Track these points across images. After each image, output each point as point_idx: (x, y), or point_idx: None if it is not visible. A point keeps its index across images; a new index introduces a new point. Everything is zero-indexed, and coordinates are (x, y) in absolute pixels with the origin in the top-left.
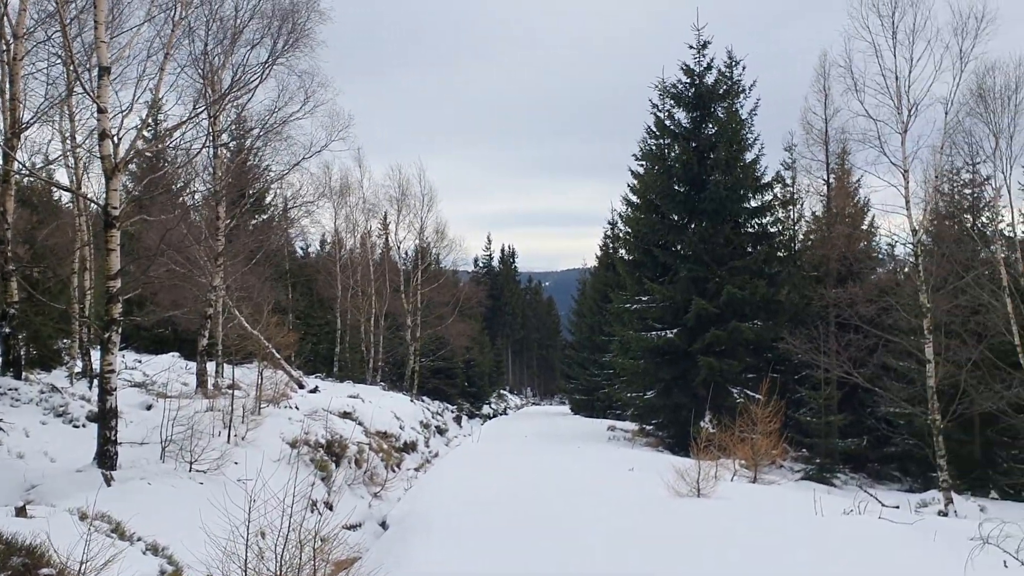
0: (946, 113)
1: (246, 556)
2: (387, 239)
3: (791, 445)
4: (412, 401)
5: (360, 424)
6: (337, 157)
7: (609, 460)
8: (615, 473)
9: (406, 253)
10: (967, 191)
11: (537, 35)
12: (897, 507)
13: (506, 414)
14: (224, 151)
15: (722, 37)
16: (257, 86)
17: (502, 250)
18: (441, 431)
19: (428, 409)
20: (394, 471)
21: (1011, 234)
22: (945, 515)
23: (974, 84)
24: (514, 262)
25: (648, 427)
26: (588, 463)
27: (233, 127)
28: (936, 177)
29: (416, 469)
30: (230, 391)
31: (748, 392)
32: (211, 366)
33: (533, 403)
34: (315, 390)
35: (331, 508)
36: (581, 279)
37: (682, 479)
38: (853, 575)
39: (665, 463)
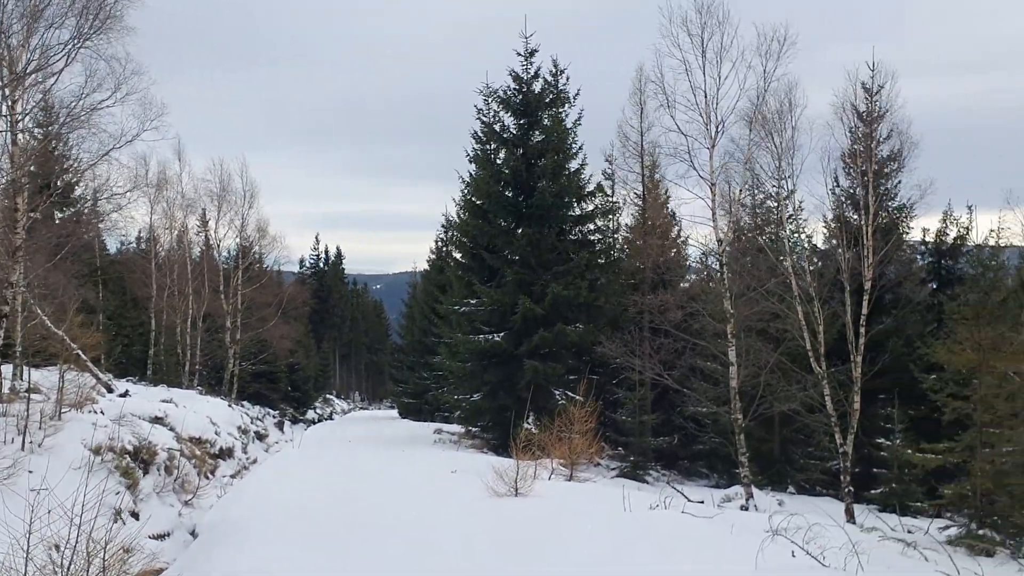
0: (750, 130)
1: (25, 571)
2: (207, 236)
3: (608, 444)
4: (230, 406)
5: (172, 430)
6: (154, 150)
7: (433, 463)
8: (438, 476)
9: (227, 251)
10: (769, 204)
11: (383, 34)
12: (702, 502)
13: (332, 419)
14: (24, 137)
15: (553, 45)
16: (63, 69)
17: (328, 251)
18: (261, 437)
19: (247, 414)
20: (208, 478)
21: (800, 247)
22: (746, 509)
23: (774, 103)
24: (343, 263)
25: (474, 429)
26: (412, 466)
27: (38, 112)
28: (740, 191)
29: (232, 476)
30: (27, 395)
31: (569, 393)
32: (7, 369)
33: (361, 407)
34: (125, 394)
35: (137, 517)
36: (412, 282)
37: (501, 479)
38: (654, 565)
39: (488, 464)
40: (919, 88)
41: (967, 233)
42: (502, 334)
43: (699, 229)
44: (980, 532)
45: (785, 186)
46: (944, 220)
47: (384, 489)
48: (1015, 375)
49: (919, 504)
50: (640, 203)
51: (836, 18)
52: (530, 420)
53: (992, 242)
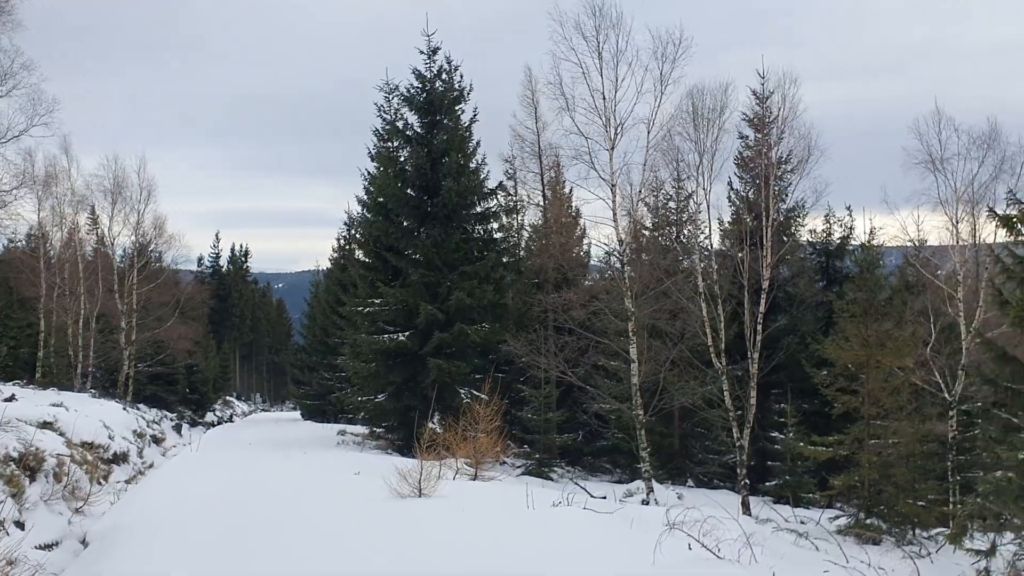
0: (648, 132)
1: None
2: (99, 234)
3: (515, 442)
4: (125, 409)
5: (62, 435)
6: (41, 144)
7: (336, 465)
8: (341, 478)
9: (123, 250)
10: (672, 205)
11: (292, 29)
12: (604, 497)
13: (232, 422)
14: None
15: (449, 45)
16: None
17: (232, 249)
18: (157, 440)
19: (143, 417)
20: (101, 484)
21: (707, 245)
22: (647, 503)
23: (689, 105)
24: (246, 262)
25: (379, 430)
26: (314, 469)
27: None
28: (640, 191)
29: (127, 481)
30: None
31: (475, 392)
32: None
33: (263, 409)
34: (11, 398)
35: (22, 527)
36: (315, 281)
37: (404, 480)
38: (554, 562)
39: (392, 465)
40: (816, 93)
41: (851, 233)
42: (407, 334)
43: (602, 228)
44: (868, 521)
45: (704, 185)
46: (827, 221)
47: (284, 493)
48: (900, 370)
49: (811, 495)
50: (541, 202)
51: (743, 22)
52: (435, 420)
53: (875, 242)
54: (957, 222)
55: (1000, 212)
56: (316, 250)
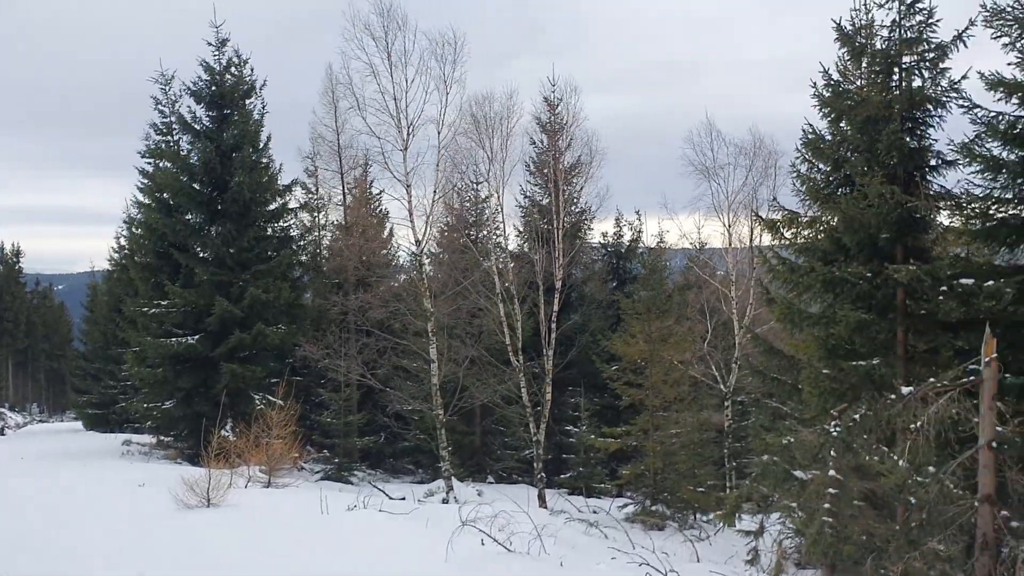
0: (439, 133)
1: None
2: None
3: (314, 446)
4: None
5: None
6: None
7: (118, 477)
8: (122, 490)
9: None
10: (470, 206)
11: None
12: (404, 498)
13: (3, 434)
14: None
15: (239, 40)
16: None
17: (1, 249)
18: None
19: None
20: None
21: (504, 247)
22: (447, 502)
23: (472, 110)
24: (18, 262)
25: (167, 439)
26: (93, 482)
27: None
28: (435, 192)
29: None
30: None
31: (270, 397)
32: None
33: (40, 420)
34: None
35: None
36: (92, 283)
37: (192, 490)
38: (347, 567)
39: (180, 475)
40: (599, 101)
41: (639, 236)
42: (196, 337)
43: (404, 229)
44: (653, 508)
45: (497, 188)
46: (618, 224)
47: (59, 509)
48: (680, 364)
49: (603, 485)
50: (343, 201)
51: (523, 31)
52: (228, 427)
53: (662, 245)
54: (730, 226)
55: (765, 217)
56: (97, 249)
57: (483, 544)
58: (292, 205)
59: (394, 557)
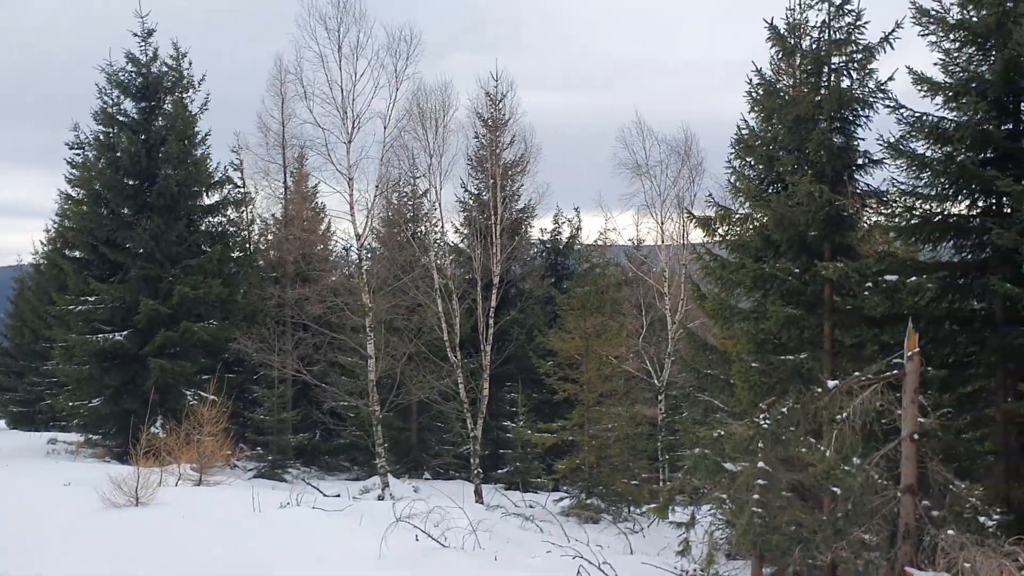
0: (385, 128)
1: None
2: None
3: (247, 444)
4: None
5: None
6: None
7: (44, 476)
8: (46, 490)
9: None
10: (408, 201)
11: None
12: (338, 495)
13: None
14: None
15: (174, 29)
16: None
17: None
18: None
19: None
20: None
21: (442, 242)
22: (383, 499)
23: (412, 104)
24: None
25: (96, 437)
26: (16, 482)
27: None
28: (377, 187)
29: None
30: None
31: (202, 394)
32: None
33: None
34: None
35: None
36: (19, 277)
37: (119, 489)
38: (279, 563)
39: (108, 474)
40: (540, 99)
41: (577, 233)
42: (125, 333)
43: (343, 223)
44: (588, 501)
45: (435, 183)
46: (556, 221)
47: None
48: (615, 359)
49: (540, 480)
50: (283, 193)
51: (462, 26)
52: (158, 424)
53: (601, 241)
54: (662, 223)
55: (698, 214)
56: (22, 244)
57: (417, 540)
58: (229, 198)
59: (327, 554)
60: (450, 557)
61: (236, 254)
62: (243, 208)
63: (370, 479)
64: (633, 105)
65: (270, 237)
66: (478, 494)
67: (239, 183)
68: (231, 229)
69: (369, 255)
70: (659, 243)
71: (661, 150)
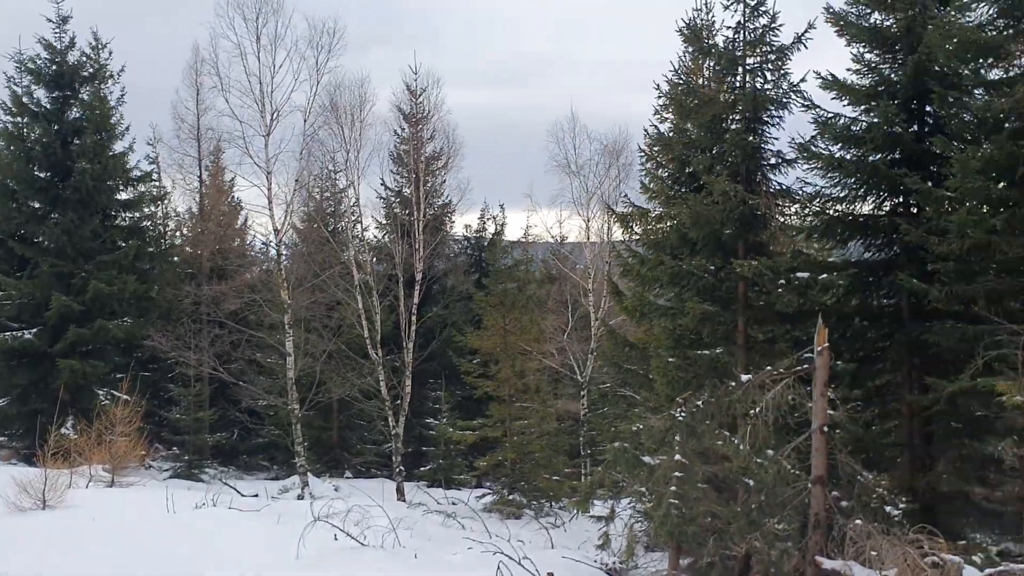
0: (304, 121)
1: None
2: None
3: (163, 444)
4: None
5: None
6: None
7: None
8: None
9: None
10: (328, 197)
11: None
12: (256, 495)
13: None
14: None
15: (92, 17)
16: None
17: None
18: None
19: None
20: None
21: (362, 238)
22: (303, 498)
23: (327, 98)
24: None
25: (1, 439)
26: None
27: None
28: (297, 181)
29: None
30: None
31: (115, 393)
32: None
33: None
34: None
35: None
36: None
37: (25, 491)
38: (194, 564)
39: (12, 476)
40: (464, 96)
41: (502, 229)
42: (34, 331)
43: (261, 217)
44: (511, 497)
45: (354, 179)
46: (482, 218)
47: None
48: (540, 355)
49: (462, 477)
50: (198, 187)
51: (380, 21)
52: (68, 424)
53: (526, 238)
54: (588, 220)
55: (619, 212)
56: None
57: (336, 539)
58: (147, 193)
59: (243, 555)
60: (369, 556)
61: (151, 250)
62: (159, 203)
63: (289, 478)
64: (569, 102)
65: (186, 232)
66: (400, 492)
67: (155, 178)
68: (147, 224)
69: (288, 251)
70: (585, 240)
71: (593, 148)
